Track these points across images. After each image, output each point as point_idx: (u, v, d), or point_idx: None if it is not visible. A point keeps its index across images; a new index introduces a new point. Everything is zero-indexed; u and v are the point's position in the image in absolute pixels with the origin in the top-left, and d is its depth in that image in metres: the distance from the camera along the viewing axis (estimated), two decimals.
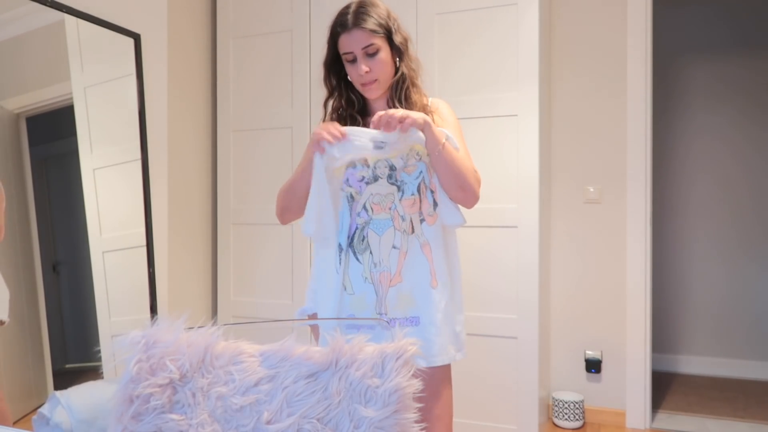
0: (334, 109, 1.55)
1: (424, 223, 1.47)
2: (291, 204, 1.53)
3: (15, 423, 1.83)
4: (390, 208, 1.46)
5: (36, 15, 2.01)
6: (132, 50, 2.40)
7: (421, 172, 1.48)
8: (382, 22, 1.47)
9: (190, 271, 2.87)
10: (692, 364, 3.67)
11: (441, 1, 2.55)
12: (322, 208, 1.44)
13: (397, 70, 1.51)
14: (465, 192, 1.47)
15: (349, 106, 1.53)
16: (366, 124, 1.52)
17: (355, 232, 1.46)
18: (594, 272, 2.82)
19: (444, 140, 1.42)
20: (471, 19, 2.51)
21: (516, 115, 2.43)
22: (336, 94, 1.55)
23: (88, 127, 2.19)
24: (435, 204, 1.49)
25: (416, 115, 1.37)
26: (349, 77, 1.51)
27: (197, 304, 2.92)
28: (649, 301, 2.76)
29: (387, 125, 1.34)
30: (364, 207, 1.46)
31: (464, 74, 2.53)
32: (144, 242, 2.41)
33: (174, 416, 0.99)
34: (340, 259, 1.47)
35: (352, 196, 1.47)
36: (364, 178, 1.46)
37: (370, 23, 1.44)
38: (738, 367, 3.57)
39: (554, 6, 2.88)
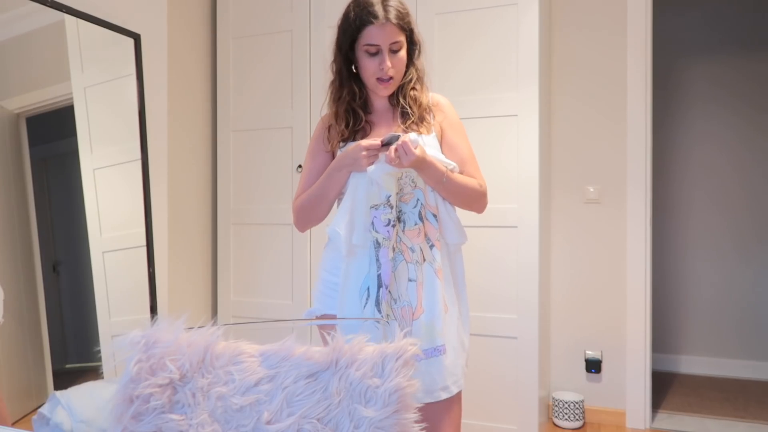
0: (337, 100, 1.52)
1: (434, 249, 1.44)
2: (314, 216, 1.53)
3: (15, 423, 1.83)
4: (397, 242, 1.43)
5: (36, 15, 2.01)
6: (132, 50, 2.39)
7: (419, 199, 1.45)
8: (407, 18, 1.46)
9: (190, 271, 2.87)
10: (692, 364, 3.66)
11: (441, 1, 2.55)
12: (356, 220, 1.41)
13: (407, 69, 1.49)
14: (472, 208, 1.53)
15: (351, 97, 1.50)
16: (369, 122, 1.52)
17: (388, 285, 1.40)
18: (594, 272, 2.82)
19: (445, 175, 1.40)
20: (471, 19, 2.51)
21: (516, 115, 2.43)
22: (338, 81, 1.51)
23: (88, 127, 2.19)
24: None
25: (417, 160, 1.34)
26: (362, 70, 1.47)
27: (197, 304, 2.92)
28: (649, 301, 2.76)
29: (395, 159, 1.31)
30: (393, 249, 1.42)
31: (464, 74, 2.52)
32: (144, 242, 2.41)
33: (174, 416, 0.98)
34: (365, 303, 1.41)
35: (378, 242, 1.41)
36: (390, 221, 1.41)
37: (400, 19, 1.43)
38: (738, 367, 3.57)
39: (554, 6, 2.88)
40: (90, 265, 2.18)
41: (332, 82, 1.53)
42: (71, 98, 2.13)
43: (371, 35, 1.41)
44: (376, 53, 1.42)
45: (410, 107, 1.49)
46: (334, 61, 1.51)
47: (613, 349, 2.78)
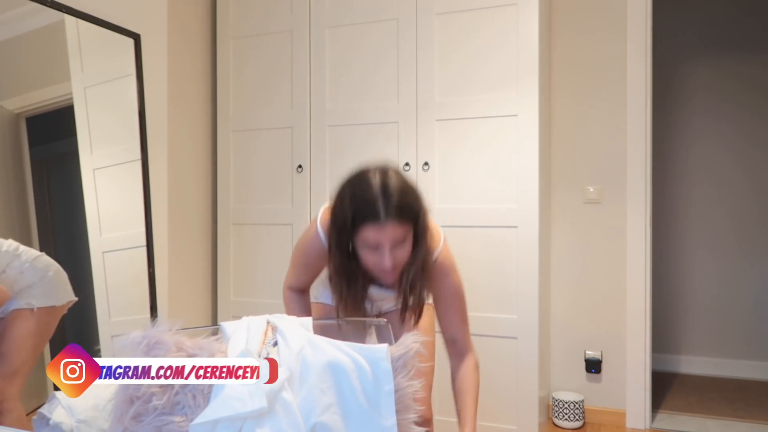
0: (337, 292, 1.38)
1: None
2: None
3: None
4: None
5: (36, 15, 2.00)
6: (132, 50, 2.39)
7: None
8: (413, 208, 1.27)
9: (190, 271, 2.87)
10: (692, 364, 3.66)
11: (441, 0, 2.55)
12: None
13: (415, 253, 1.32)
14: None
15: (351, 283, 1.36)
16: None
17: None
18: (594, 272, 2.82)
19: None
20: (471, 19, 2.51)
21: (516, 115, 2.43)
22: (335, 264, 1.35)
23: (88, 127, 2.18)
24: None
25: None
26: (361, 258, 1.31)
27: (197, 304, 2.92)
28: (649, 301, 2.76)
29: None
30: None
31: (464, 74, 2.52)
32: (144, 242, 2.41)
33: (174, 418, 0.98)
34: None
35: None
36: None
37: (403, 213, 1.24)
38: (738, 367, 3.57)
39: (554, 6, 2.88)
40: (90, 265, 2.18)
41: (330, 261, 1.37)
42: (71, 98, 2.13)
43: (371, 235, 1.24)
44: (376, 247, 1.26)
45: (410, 299, 1.37)
46: (330, 253, 1.34)
47: (613, 349, 2.78)
